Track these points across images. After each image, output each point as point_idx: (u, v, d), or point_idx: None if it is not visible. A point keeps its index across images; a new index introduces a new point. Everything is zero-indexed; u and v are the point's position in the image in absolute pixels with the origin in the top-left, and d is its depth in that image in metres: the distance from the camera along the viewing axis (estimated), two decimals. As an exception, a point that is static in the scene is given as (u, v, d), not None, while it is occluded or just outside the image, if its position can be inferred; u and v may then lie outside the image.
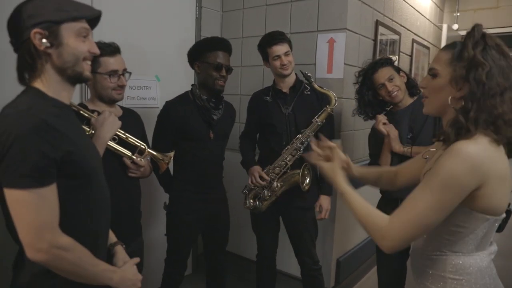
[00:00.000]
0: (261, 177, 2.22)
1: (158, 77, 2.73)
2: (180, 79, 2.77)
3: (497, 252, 1.18)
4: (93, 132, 1.60)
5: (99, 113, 1.68)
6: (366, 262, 3.23)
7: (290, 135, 2.25)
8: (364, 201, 1.16)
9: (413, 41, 3.81)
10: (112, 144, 1.72)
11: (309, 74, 2.20)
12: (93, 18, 1.16)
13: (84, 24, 1.12)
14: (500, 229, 1.15)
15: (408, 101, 2.15)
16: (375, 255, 2.33)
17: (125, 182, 1.82)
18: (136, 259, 1.31)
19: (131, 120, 1.90)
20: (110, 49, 1.73)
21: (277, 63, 2.21)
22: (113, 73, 1.74)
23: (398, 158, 2.08)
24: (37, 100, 1.06)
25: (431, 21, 4.35)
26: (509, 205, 1.13)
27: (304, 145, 2.18)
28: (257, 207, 2.27)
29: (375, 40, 2.98)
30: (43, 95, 1.08)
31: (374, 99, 2.19)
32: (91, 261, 1.09)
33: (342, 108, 2.64)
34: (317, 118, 2.16)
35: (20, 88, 1.12)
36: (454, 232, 1.10)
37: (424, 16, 4.12)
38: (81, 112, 1.64)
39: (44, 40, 1.05)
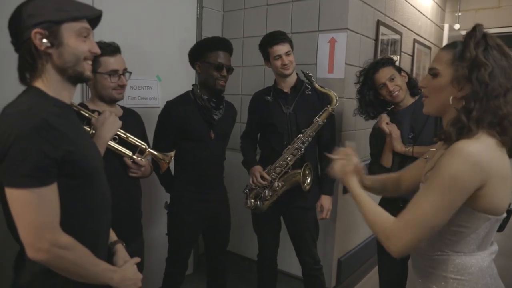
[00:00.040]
0: (262, 177, 2.22)
1: (159, 77, 2.73)
2: (181, 79, 2.78)
3: (498, 252, 1.18)
4: (93, 132, 1.61)
5: (99, 113, 1.68)
6: (367, 262, 3.23)
7: (291, 135, 2.25)
8: (374, 204, 1.17)
9: (415, 41, 3.81)
10: (112, 144, 1.72)
11: (310, 74, 2.20)
12: (94, 18, 1.16)
13: (84, 24, 1.12)
14: (501, 228, 1.15)
15: (409, 101, 2.15)
16: (376, 255, 2.33)
17: (125, 182, 1.82)
18: (137, 259, 1.31)
19: (131, 120, 1.90)
20: (110, 49, 1.73)
21: (278, 63, 2.21)
22: (113, 72, 1.74)
23: (399, 158, 2.08)
24: (38, 100, 1.06)
25: (432, 21, 4.34)
26: (510, 204, 1.13)
27: (305, 144, 2.18)
28: (258, 207, 2.27)
29: (376, 40, 2.98)
30: (44, 95, 1.09)
31: (375, 99, 2.19)
32: (92, 261, 1.10)
33: (343, 108, 2.63)
34: (318, 118, 2.16)
35: (20, 88, 1.12)
36: (456, 232, 1.10)
37: (426, 16, 4.11)
38: (82, 112, 1.64)
39: (44, 40, 1.05)
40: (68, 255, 1.03)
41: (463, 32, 1.13)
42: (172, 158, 1.98)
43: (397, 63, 2.26)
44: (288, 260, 2.74)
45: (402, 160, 2.07)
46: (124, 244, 1.36)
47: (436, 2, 4.42)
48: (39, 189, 0.98)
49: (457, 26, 4.68)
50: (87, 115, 1.65)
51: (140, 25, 2.56)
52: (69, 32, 1.08)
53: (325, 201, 2.29)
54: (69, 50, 1.09)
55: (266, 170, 2.24)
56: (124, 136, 1.77)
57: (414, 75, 3.72)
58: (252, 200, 2.29)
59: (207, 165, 2.16)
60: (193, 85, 2.21)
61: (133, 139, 1.80)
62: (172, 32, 2.79)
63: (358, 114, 2.30)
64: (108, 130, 1.63)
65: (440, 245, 1.14)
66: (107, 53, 1.70)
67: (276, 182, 2.22)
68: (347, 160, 1.32)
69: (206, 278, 2.43)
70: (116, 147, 1.75)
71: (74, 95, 1.24)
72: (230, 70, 2.13)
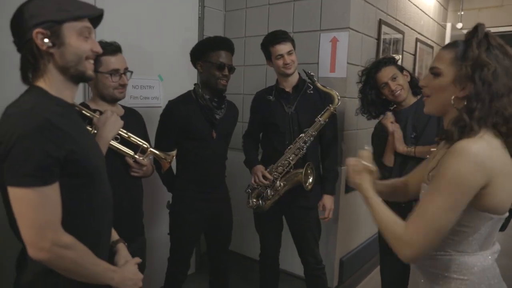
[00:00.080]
0: (264, 176, 2.22)
1: (161, 76, 2.73)
2: (183, 79, 2.78)
3: (499, 252, 1.18)
4: (95, 131, 1.60)
5: (101, 113, 1.68)
6: (369, 262, 3.22)
7: (293, 134, 2.25)
8: (386, 209, 1.15)
9: (417, 40, 3.80)
10: (114, 143, 1.72)
11: (312, 74, 2.19)
12: (96, 17, 1.16)
13: (86, 23, 1.12)
14: (503, 228, 1.15)
15: (412, 100, 2.14)
16: (378, 255, 2.32)
17: (127, 182, 1.82)
18: (137, 259, 1.30)
19: (132, 120, 1.90)
20: (111, 48, 1.73)
21: (280, 62, 2.21)
22: (114, 72, 1.74)
23: (401, 158, 2.08)
24: (41, 99, 1.07)
25: (435, 20, 4.33)
26: (512, 203, 1.12)
27: (307, 144, 2.18)
28: (260, 206, 2.27)
29: (378, 39, 2.97)
30: (46, 94, 1.09)
31: (377, 98, 2.18)
32: (92, 260, 1.10)
33: (345, 107, 2.63)
34: (320, 117, 2.16)
35: (21, 88, 1.12)
36: (459, 231, 1.10)
37: (428, 15, 4.10)
38: (83, 111, 1.64)
39: (46, 40, 1.05)
40: (69, 254, 1.03)
41: (466, 31, 1.13)
42: (174, 157, 1.99)
43: (399, 62, 2.26)
44: (290, 260, 2.74)
45: (404, 160, 2.07)
46: (126, 244, 1.36)
47: (438, 1, 4.41)
48: (41, 188, 0.99)
49: (459, 25, 4.66)
50: (88, 114, 1.65)
51: (142, 24, 2.56)
52: (71, 31, 1.08)
53: (327, 200, 2.29)
54: (71, 49, 1.09)
55: (268, 169, 2.24)
56: (126, 135, 1.77)
57: (416, 74, 3.71)
58: (254, 200, 2.29)
59: (209, 164, 2.16)
60: (195, 84, 2.21)
61: (134, 138, 1.80)
62: (174, 32, 2.79)
63: (360, 114, 2.30)
64: (110, 130, 1.63)
65: (442, 245, 1.13)
66: (108, 53, 1.70)
67: (278, 182, 2.21)
68: (362, 164, 1.30)
69: (208, 277, 2.43)
70: (118, 147, 1.75)
71: (77, 95, 1.24)
72: (232, 69, 2.13)
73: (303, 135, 2.18)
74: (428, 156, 1.32)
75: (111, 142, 1.67)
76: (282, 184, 2.21)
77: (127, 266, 1.25)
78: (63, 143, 1.02)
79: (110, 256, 1.27)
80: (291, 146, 2.20)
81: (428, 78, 1.18)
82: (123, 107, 1.93)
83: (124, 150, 1.77)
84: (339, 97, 2.18)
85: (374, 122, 2.30)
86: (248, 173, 2.37)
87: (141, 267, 1.34)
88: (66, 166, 1.03)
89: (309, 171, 2.19)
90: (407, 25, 3.53)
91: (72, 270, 1.06)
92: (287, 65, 2.21)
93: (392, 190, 1.47)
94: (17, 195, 0.99)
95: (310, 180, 2.20)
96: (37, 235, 0.99)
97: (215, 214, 2.22)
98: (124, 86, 1.79)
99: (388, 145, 2.12)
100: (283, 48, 2.20)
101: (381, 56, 2.87)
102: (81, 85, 1.23)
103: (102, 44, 1.62)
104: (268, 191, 2.23)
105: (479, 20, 1.12)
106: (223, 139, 2.23)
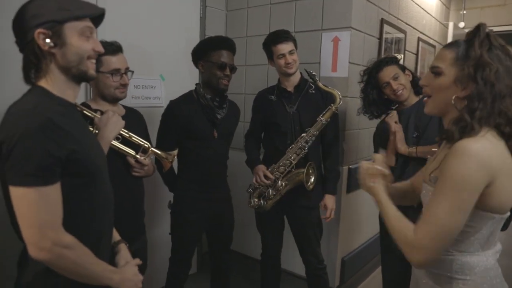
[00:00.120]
0: (265, 176, 2.22)
1: (162, 76, 2.74)
2: (185, 79, 2.78)
3: (501, 251, 1.17)
4: (96, 131, 1.60)
5: (102, 113, 1.68)
6: (371, 262, 3.22)
7: (294, 134, 2.25)
8: (398, 214, 1.14)
9: (419, 39, 3.79)
10: (115, 143, 1.72)
11: (313, 73, 2.19)
12: (97, 16, 1.16)
13: (87, 23, 1.12)
14: (504, 227, 1.15)
15: (414, 99, 2.14)
16: (380, 254, 2.32)
17: (128, 182, 1.82)
18: (138, 261, 1.30)
19: (133, 119, 1.90)
20: (112, 48, 1.73)
21: (282, 61, 2.21)
22: (115, 71, 1.74)
23: (403, 158, 2.07)
24: (43, 99, 1.07)
25: (437, 19, 4.31)
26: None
27: (309, 144, 2.18)
28: (262, 206, 2.27)
29: (380, 38, 2.97)
30: (49, 94, 1.09)
31: (379, 98, 2.18)
32: (92, 261, 1.10)
33: (347, 107, 2.63)
34: (321, 117, 2.16)
35: (21, 87, 1.12)
36: (461, 231, 1.09)
37: (430, 14, 4.09)
38: (85, 111, 1.64)
39: (47, 40, 1.05)
40: (70, 254, 1.03)
41: (467, 31, 1.12)
42: (175, 157, 1.99)
43: (401, 62, 2.25)
44: (292, 259, 2.74)
45: (405, 160, 2.06)
46: (127, 244, 1.36)
47: (440, 0, 4.40)
48: (43, 188, 0.99)
49: (462, 24, 4.65)
50: (90, 114, 1.65)
51: (144, 24, 2.56)
52: (72, 31, 1.08)
53: (329, 200, 2.29)
54: (73, 49, 1.09)
55: (269, 169, 2.24)
56: (127, 135, 1.77)
57: (418, 73, 3.70)
58: (256, 199, 2.29)
59: (211, 164, 2.16)
60: (196, 84, 2.21)
61: (136, 138, 1.80)
62: (175, 32, 2.80)
63: (362, 113, 2.30)
64: (111, 130, 1.63)
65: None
66: (109, 52, 1.70)
67: (279, 181, 2.21)
68: (375, 168, 1.29)
69: (210, 277, 2.43)
70: (119, 147, 1.75)
71: (78, 95, 1.24)
72: (233, 69, 2.13)
73: (304, 134, 2.18)
74: (429, 156, 1.32)
75: (112, 142, 1.67)
76: (283, 183, 2.21)
77: (127, 267, 1.25)
78: (65, 142, 1.02)
79: (111, 257, 1.27)
80: (293, 145, 2.20)
81: (429, 77, 1.17)
82: (124, 107, 1.93)
83: (126, 150, 1.77)
84: (341, 97, 2.18)
85: (375, 122, 2.30)
86: (249, 173, 2.37)
87: (143, 267, 1.34)
88: (67, 166, 1.04)
89: (310, 171, 2.19)
90: (409, 24, 3.52)
91: (72, 270, 1.06)
92: (288, 65, 2.21)
93: (403, 194, 1.45)
94: (18, 194, 0.99)
95: (312, 179, 2.20)
96: (38, 235, 0.99)
97: (216, 214, 2.22)
98: (125, 86, 1.79)
99: (389, 145, 2.11)
100: (285, 47, 2.19)
101: (383, 55, 2.86)
102: (82, 85, 1.23)
103: (103, 44, 1.61)
104: (270, 190, 2.23)
105: (481, 19, 1.12)
106: (225, 138, 2.23)
